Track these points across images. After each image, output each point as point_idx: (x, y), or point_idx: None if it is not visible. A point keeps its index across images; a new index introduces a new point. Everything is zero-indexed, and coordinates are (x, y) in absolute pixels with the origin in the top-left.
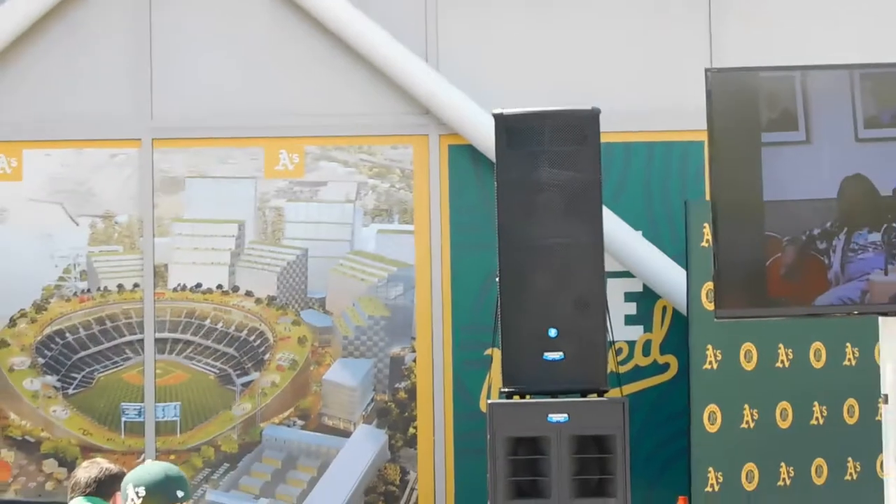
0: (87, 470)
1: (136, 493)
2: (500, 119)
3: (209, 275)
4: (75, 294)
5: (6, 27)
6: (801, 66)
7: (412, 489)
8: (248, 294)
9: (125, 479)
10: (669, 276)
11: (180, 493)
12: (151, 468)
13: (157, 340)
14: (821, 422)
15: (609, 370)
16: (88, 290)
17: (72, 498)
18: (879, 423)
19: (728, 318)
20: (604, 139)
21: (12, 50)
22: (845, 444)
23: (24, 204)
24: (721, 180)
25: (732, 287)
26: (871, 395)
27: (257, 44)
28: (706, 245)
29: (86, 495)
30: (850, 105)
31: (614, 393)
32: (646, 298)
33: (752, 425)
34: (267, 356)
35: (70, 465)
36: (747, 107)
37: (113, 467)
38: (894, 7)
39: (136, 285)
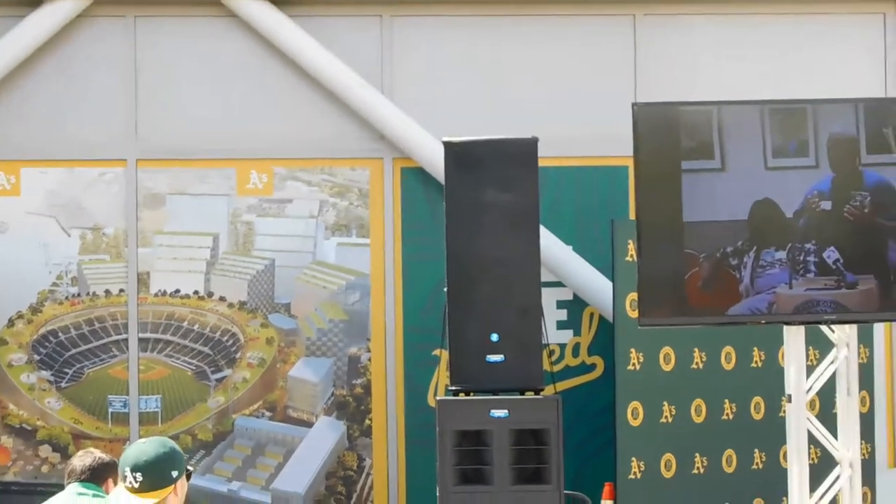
0: (82, 458)
1: (134, 477)
2: (449, 146)
3: (187, 282)
4: (67, 298)
5: (7, 57)
6: (718, 102)
7: (368, 474)
8: (222, 299)
9: (121, 459)
10: (597, 286)
11: (174, 473)
12: (147, 449)
13: (140, 340)
14: (731, 417)
15: (543, 370)
16: (79, 295)
17: (68, 483)
18: (782, 418)
19: (651, 326)
20: (540, 164)
21: (11, 79)
22: (752, 437)
23: (22, 217)
24: (645, 202)
25: (655, 298)
26: (775, 394)
27: (232, 76)
28: (630, 259)
29: (81, 481)
30: (761, 137)
31: (548, 390)
32: (575, 306)
33: (670, 420)
34: (238, 355)
35: (63, 451)
36: (669, 137)
37: (105, 456)
38: (798, 47)
39: (121, 290)
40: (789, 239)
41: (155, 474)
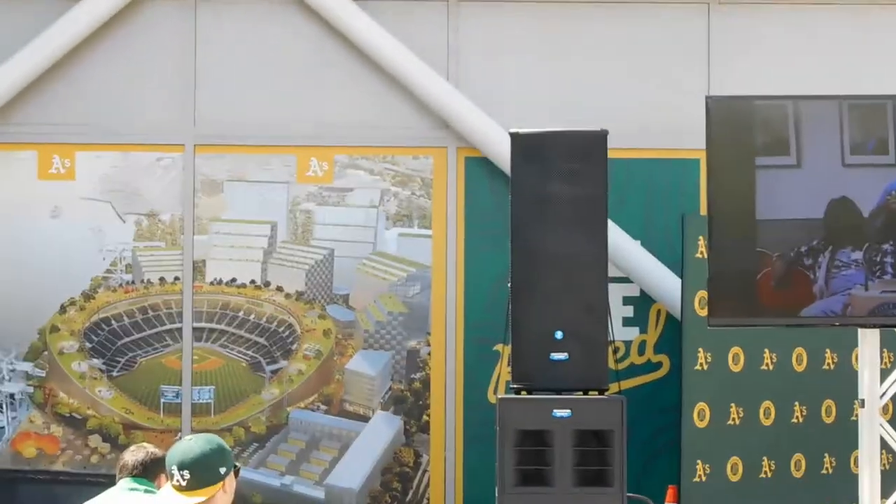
0: (135, 454)
1: (182, 476)
2: (516, 137)
3: (243, 271)
4: (121, 285)
5: (63, 40)
6: (794, 96)
7: (425, 471)
8: (279, 289)
9: (168, 458)
10: (665, 282)
11: (222, 471)
12: (193, 447)
13: (194, 329)
14: (801, 420)
15: (608, 369)
16: (133, 282)
17: (120, 478)
18: (854, 422)
19: (721, 326)
20: (609, 155)
21: (67, 61)
22: (822, 442)
23: (77, 202)
24: (717, 198)
25: (725, 297)
26: (847, 397)
27: (293, 61)
28: (700, 256)
29: (133, 476)
30: (839, 133)
31: (613, 389)
32: (642, 302)
33: (737, 422)
34: (294, 346)
35: (113, 441)
36: (743, 132)
37: (158, 452)
38: (878, 38)
39: (176, 278)
40: (866, 239)
41: (202, 472)
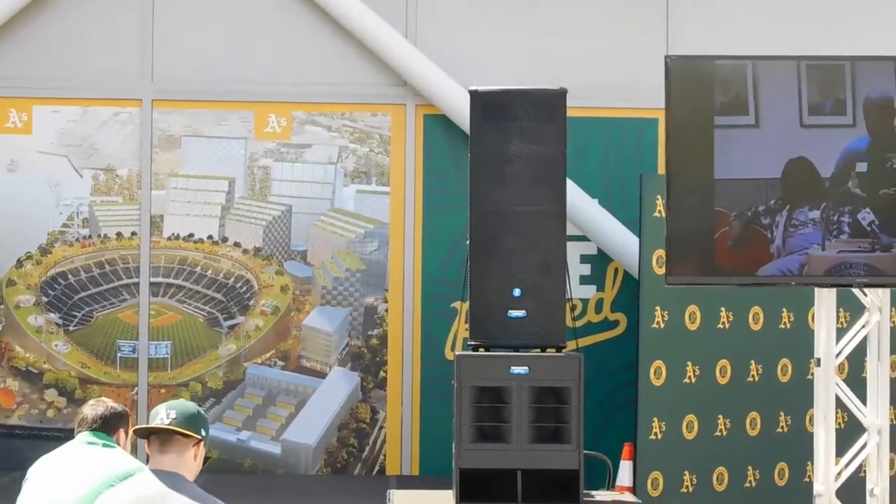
0: (94, 407)
1: (167, 413)
2: (475, 95)
3: (201, 226)
4: (78, 240)
5: None
6: (753, 56)
7: (381, 427)
8: (236, 245)
9: (154, 408)
10: (622, 241)
11: (203, 433)
12: (185, 401)
13: (151, 284)
14: (757, 379)
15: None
16: (90, 237)
17: (79, 432)
18: (810, 381)
19: (678, 285)
20: (568, 114)
21: (25, 13)
22: (778, 400)
23: (34, 156)
24: (676, 157)
25: (682, 256)
26: (803, 356)
27: (252, 16)
28: (658, 215)
29: (92, 430)
30: (797, 93)
31: (570, 347)
32: (600, 261)
33: (694, 380)
34: (252, 302)
35: (69, 396)
36: (702, 92)
37: (118, 406)
38: (832, 5)
39: (133, 233)
40: (823, 199)
41: (187, 419)
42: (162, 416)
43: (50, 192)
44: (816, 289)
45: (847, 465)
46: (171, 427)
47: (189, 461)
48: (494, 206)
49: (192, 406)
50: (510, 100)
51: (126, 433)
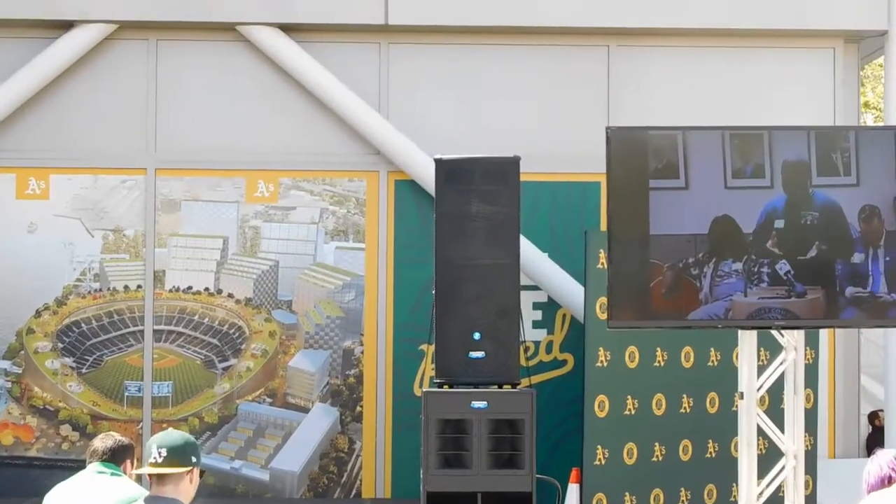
0: (103, 440)
1: (159, 452)
2: (439, 163)
3: (199, 279)
4: (90, 292)
5: (39, 76)
6: (683, 127)
7: (358, 456)
8: (230, 296)
9: (150, 440)
10: (569, 290)
11: (194, 458)
12: (173, 434)
13: (154, 331)
14: (688, 410)
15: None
16: (100, 290)
17: (90, 462)
18: (734, 412)
19: (619, 328)
20: (521, 179)
21: (43, 94)
22: (707, 429)
23: (50, 219)
24: (616, 215)
25: (622, 302)
26: (728, 390)
27: (243, 95)
28: (601, 267)
29: (102, 461)
30: (721, 159)
31: (524, 384)
32: (549, 307)
33: (633, 412)
34: (243, 346)
35: (82, 430)
36: (638, 157)
37: (124, 440)
38: (756, 78)
39: (139, 286)
40: (745, 252)
41: (177, 453)
42: (154, 455)
43: (65, 251)
44: (740, 331)
45: (768, 485)
46: (162, 471)
47: (185, 487)
48: (457, 259)
49: (178, 438)
50: (470, 166)
51: (132, 464)
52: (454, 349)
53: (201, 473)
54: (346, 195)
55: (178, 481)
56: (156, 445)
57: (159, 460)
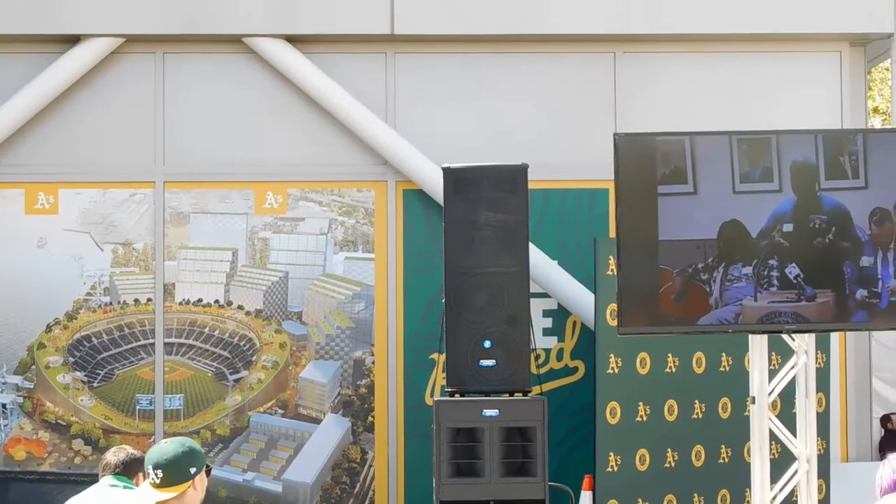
0: (116, 454)
1: (156, 474)
2: (447, 171)
3: (208, 292)
4: (100, 306)
5: (47, 90)
6: (690, 133)
7: (370, 466)
8: (240, 307)
9: (146, 458)
10: (579, 297)
11: (192, 470)
12: (167, 449)
13: (165, 344)
14: (700, 416)
15: (530, 373)
16: (110, 303)
17: (102, 476)
18: (746, 417)
19: (629, 335)
20: (529, 186)
21: (51, 109)
22: (719, 435)
23: (60, 233)
24: (624, 222)
25: (632, 308)
26: (740, 395)
27: (251, 107)
28: (610, 274)
29: (114, 474)
30: (729, 164)
31: (535, 391)
32: (560, 314)
33: (645, 418)
34: (254, 358)
35: (94, 444)
36: (646, 164)
37: (136, 453)
38: (764, 82)
39: (149, 299)
40: (754, 256)
41: (173, 471)
42: (152, 476)
43: (75, 265)
44: (750, 335)
45: (781, 490)
46: (162, 495)
47: (190, 497)
48: (466, 268)
49: (171, 454)
50: (478, 175)
51: (144, 476)
52: (465, 358)
53: (208, 471)
54: (355, 205)
55: (180, 496)
56: (151, 466)
57: (157, 481)
